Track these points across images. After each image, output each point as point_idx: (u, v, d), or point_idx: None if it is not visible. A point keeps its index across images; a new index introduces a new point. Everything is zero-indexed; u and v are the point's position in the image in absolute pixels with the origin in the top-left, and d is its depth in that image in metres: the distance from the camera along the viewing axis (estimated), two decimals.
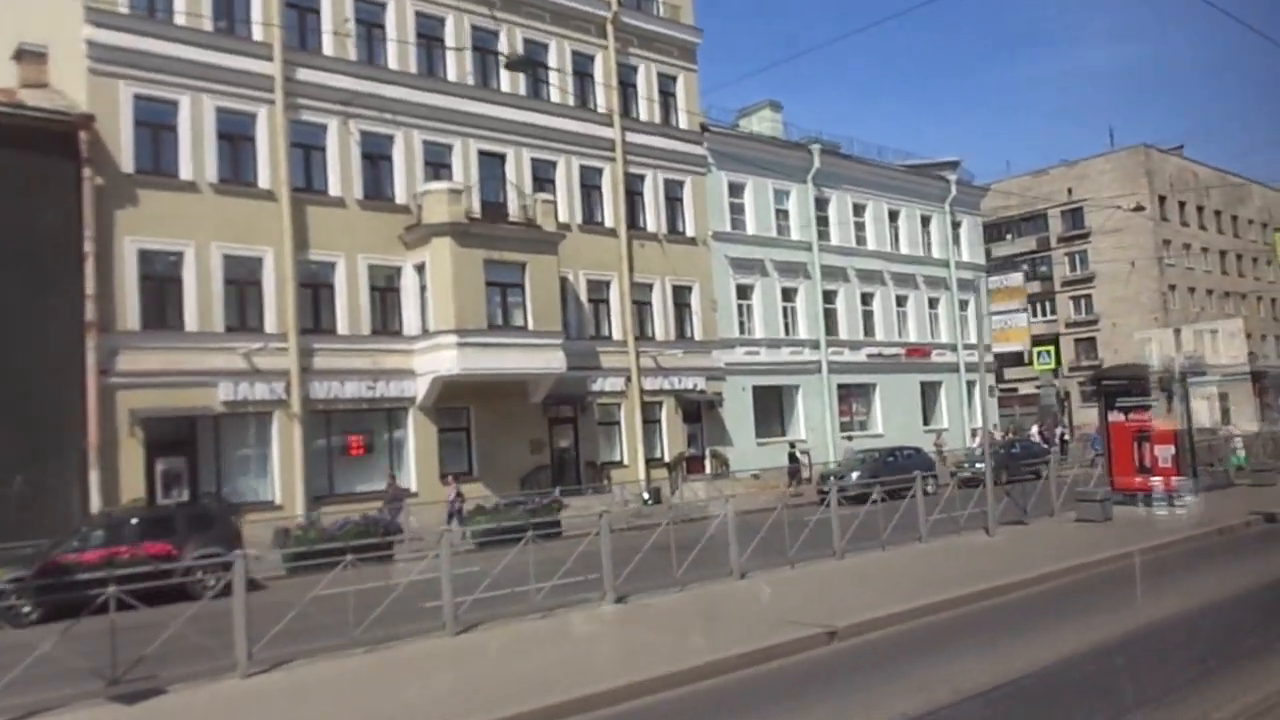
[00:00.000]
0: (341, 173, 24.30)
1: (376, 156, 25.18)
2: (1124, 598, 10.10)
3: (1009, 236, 68.34)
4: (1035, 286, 66.50)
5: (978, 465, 29.86)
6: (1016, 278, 15.09)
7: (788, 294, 34.90)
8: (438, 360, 24.12)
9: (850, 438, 35.55)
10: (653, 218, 30.89)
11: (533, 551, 10.63)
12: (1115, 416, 18.12)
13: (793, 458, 32.59)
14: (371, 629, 9.15)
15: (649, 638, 9.21)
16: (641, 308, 30.37)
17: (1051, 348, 41.06)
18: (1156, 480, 17.42)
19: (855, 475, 27.09)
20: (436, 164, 26.12)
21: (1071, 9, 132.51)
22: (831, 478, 27.65)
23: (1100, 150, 64.84)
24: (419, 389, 24.63)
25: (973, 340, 42.17)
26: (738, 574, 12.04)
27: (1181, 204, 65.32)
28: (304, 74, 23.78)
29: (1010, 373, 63.99)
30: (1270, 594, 10.03)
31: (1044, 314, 66.33)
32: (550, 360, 25.74)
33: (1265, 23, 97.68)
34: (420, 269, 24.78)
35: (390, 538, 18.32)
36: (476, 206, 26.08)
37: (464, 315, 24.06)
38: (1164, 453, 17.31)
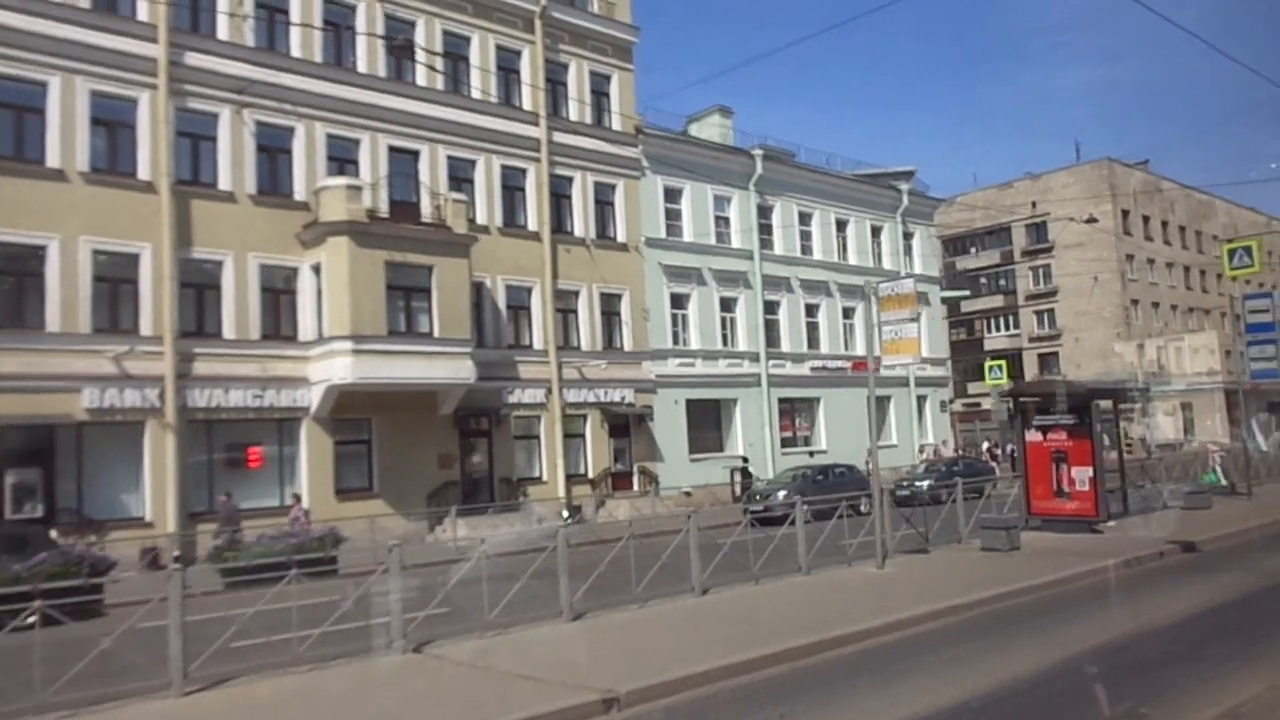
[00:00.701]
0: (233, 165, 22.77)
1: (274, 150, 23.66)
2: (979, 650, 8.76)
3: (973, 250, 67.50)
4: (999, 300, 65.78)
5: (917, 484, 28.71)
6: (907, 284, 13.55)
7: (727, 304, 33.56)
8: (331, 368, 22.59)
9: (811, 454, 34.27)
10: (580, 221, 29.49)
11: (297, 594, 9.11)
12: (1032, 436, 16.81)
13: (745, 472, 31.32)
14: (65, 691, 7.51)
15: (387, 702, 7.69)
16: (566, 316, 28.95)
17: (1004, 362, 39.91)
18: (1074, 504, 16.12)
19: (782, 494, 25.72)
20: (341, 159, 24.62)
21: (1052, 29, 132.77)
22: (756, 496, 26.35)
23: (1065, 164, 64.19)
24: (313, 398, 23.07)
25: (926, 354, 41.12)
26: (568, 615, 10.56)
27: (1145, 218, 64.62)
28: (193, 59, 22.26)
29: (974, 388, 63.19)
30: (1144, 647, 8.67)
31: (1007, 328, 65.49)
32: (457, 370, 24.25)
33: (1230, 43, 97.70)
34: (318, 270, 23.28)
35: (98, 579, 13.48)
36: (385, 205, 24.63)
37: (360, 320, 22.55)
38: (1081, 475, 16.01)
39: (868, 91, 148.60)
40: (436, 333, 24.02)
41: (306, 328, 23.39)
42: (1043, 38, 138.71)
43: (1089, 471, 15.93)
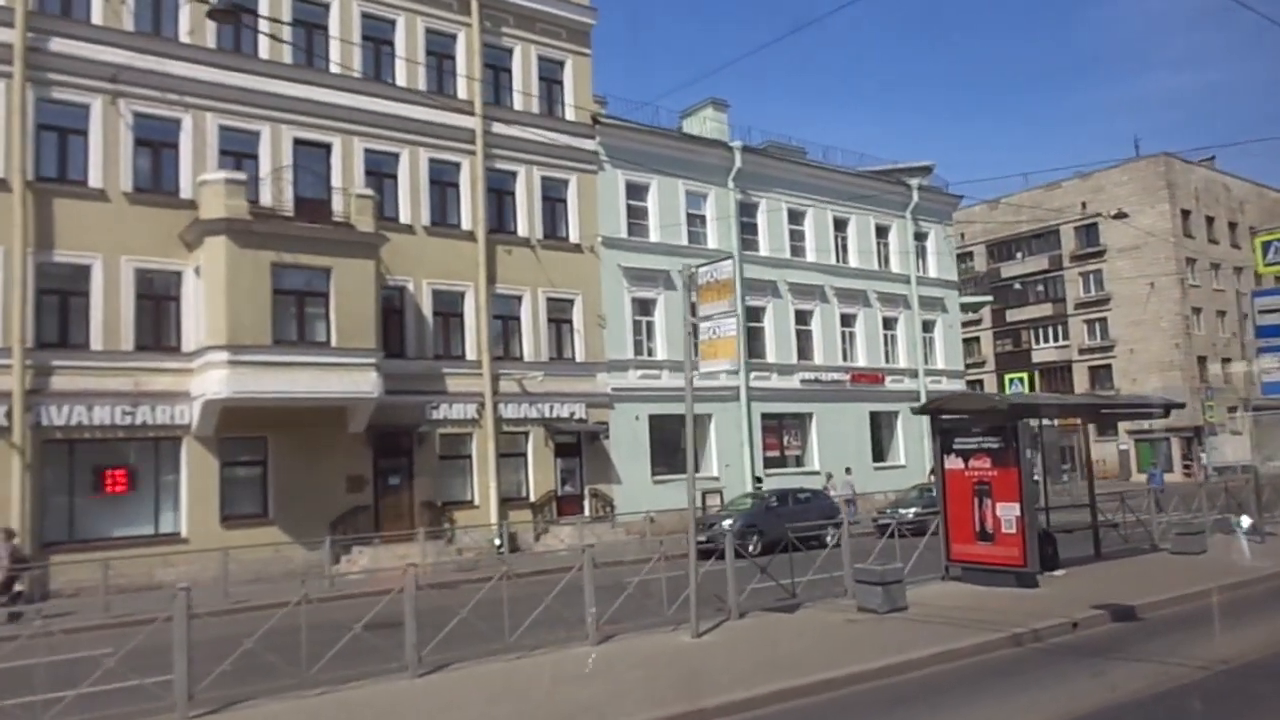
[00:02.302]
0: (106, 161, 20.76)
1: (157, 144, 21.64)
2: None
3: (1019, 255, 63.03)
4: (1048, 308, 61.19)
5: (902, 511, 25.29)
6: (726, 268, 10.31)
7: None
8: (206, 382, 20.37)
9: (849, 470, 31.09)
10: (525, 220, 26.91)
11: None
12: (952, 463, 13.54)
13: (758, 481, 28.50)
14: None
15: None
16: (507, 323, 26.38)
17: (1025, 375, 36.03)
18: (999, 550, 12.82)
19: (727, 524, 22.63)
20: (237, 153, 22.48)
21: (1136, 36, 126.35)
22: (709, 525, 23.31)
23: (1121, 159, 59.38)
24: (194, 415, 20.88)
25: (940, 365, 37.54)
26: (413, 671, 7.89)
27: (1210, 219, 59.38)
28: (59, 44, 20.36)
29: None
30: None
31: (1056, 339, 60.82)
32: (359, 383, 21.81)
33: None
34: (200, 274, 21.13)
35: None
36: (290, 202, 22.48)
37: (238, 328, 20.27)
38: (1006, 513, 12.70)
39: (901, 96, 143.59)
40: (335, 342, 21.65)
41: (191, 338, 21.25)
42: (1129, 45, 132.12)
43: (1015, 509, 12.61)
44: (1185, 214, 57.53)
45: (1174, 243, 55.19)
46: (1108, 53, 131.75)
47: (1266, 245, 24.34)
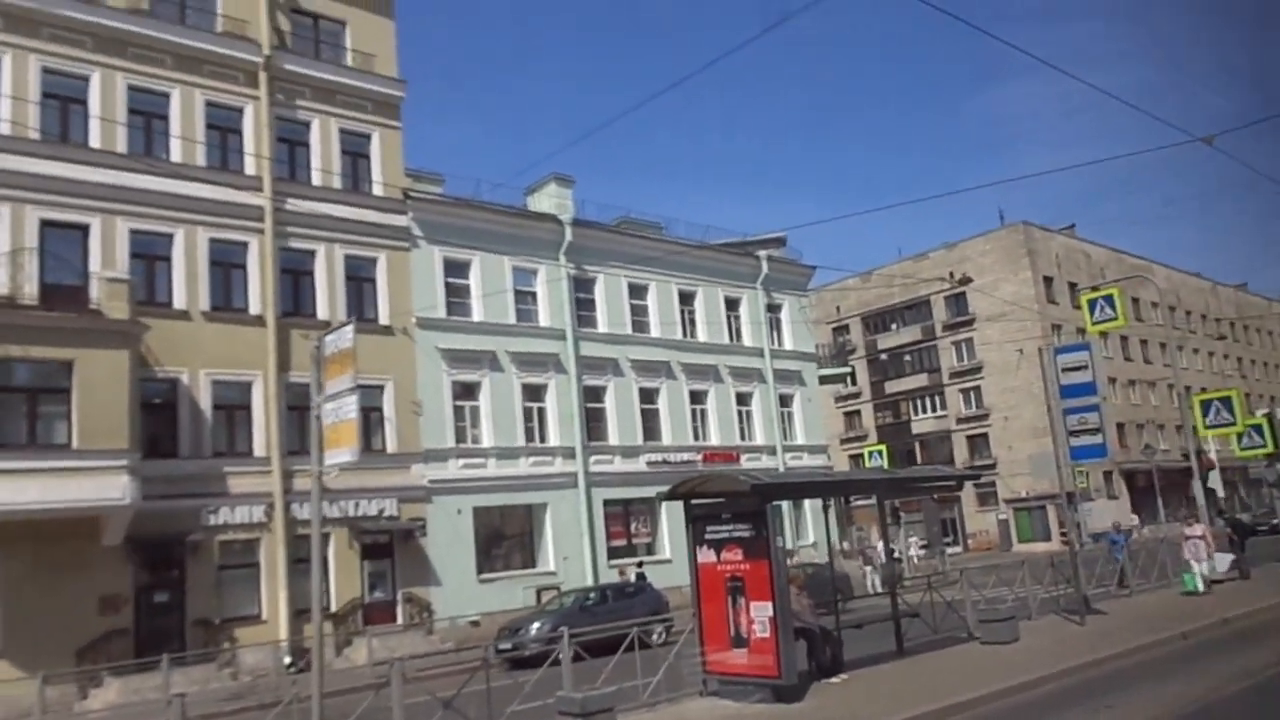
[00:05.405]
0: None
1: None
2: None
3: (894, 326, 63.22)
4: (923, 379, 61.17)
5: (533, 626, 20.10)
6: (348, 335, 8.49)
7: (532, 392, 28.69)
8: None
9: (641, 563, 28.88)
10: (325, 302, 24.84)
11: None
12: (705, 556, 11.73)
13: (641, 576, 26.13)
14: None
15: None
16: (303, 415, 23.96)
17: (884, 447, 35.04)
18: (752, 658, 10.95)
19: (537, 627, 20.41)
20: None
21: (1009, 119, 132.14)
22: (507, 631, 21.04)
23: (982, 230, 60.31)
24: None
25: (800, 440, 36.25)
26: None
27: (1072, 285, 60.49)
28: None
29: None
30: None
31: (933, 409, 60.69)
32: (105, 488, 19.10)
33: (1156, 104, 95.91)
34: None
35: None
36: (34, 289, 20.05)
37: None
38: (760, 614, 10.88)
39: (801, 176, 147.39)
40: (76, 444, 19.04)
41: None
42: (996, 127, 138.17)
43: (768, 608, 10.79)
44: (1048, 280, 58.53)
45: (1038, 309, 55.84)
46: (986, 136, 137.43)
47: (1093, 303, 23.90)
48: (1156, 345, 64.77)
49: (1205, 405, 26.50)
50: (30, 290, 20.14)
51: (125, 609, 20.50)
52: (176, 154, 23.06)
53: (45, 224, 20.96)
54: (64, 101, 21.93)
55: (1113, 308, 23.07)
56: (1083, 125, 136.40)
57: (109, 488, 19.19)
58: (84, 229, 21.53)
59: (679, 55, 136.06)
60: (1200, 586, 19.46)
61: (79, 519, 19.47)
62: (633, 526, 30.54)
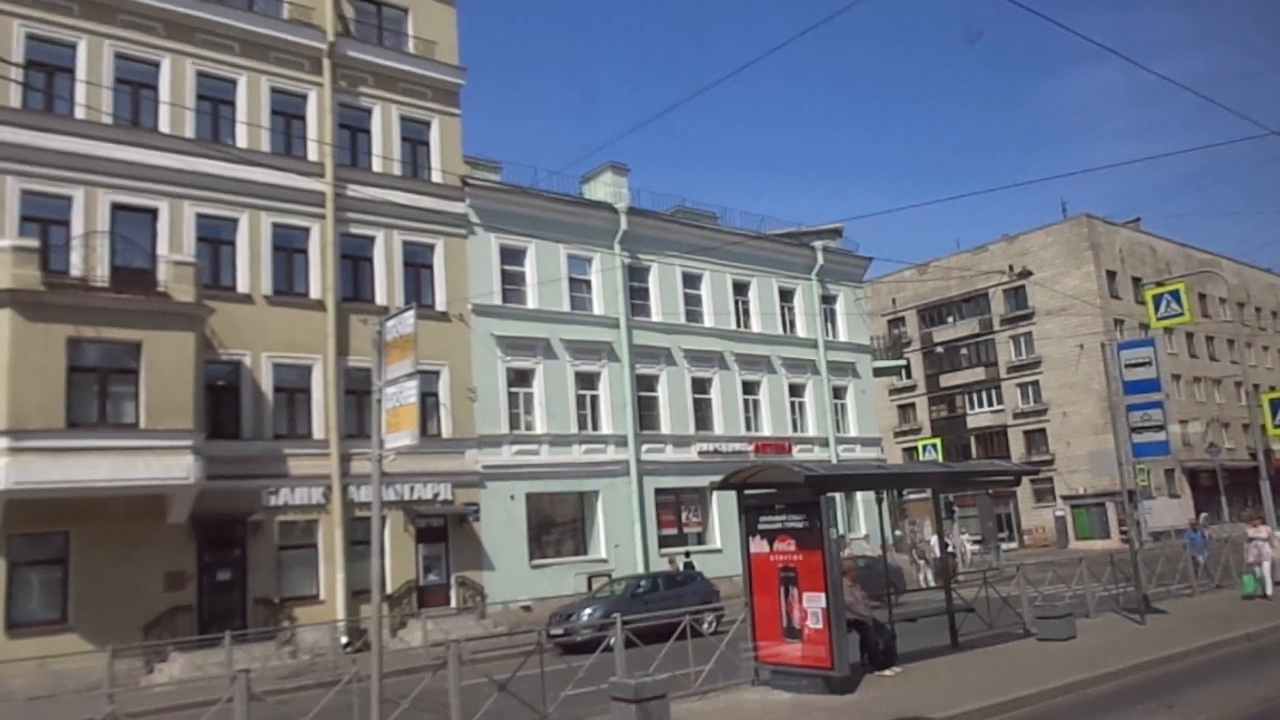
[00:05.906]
0: None
1: None
2: None
3: (950, 319, 62.22)
4: (980, 373, 60.19)
5: (584, 613, 20.46)
6: (409, 320, 8.69)
7: (586, 379, 28.80)
8: None
9: (689, 554, 28.96)
10: (384, 288, 25.16)
11: None
12: (757, 546, 11.68)
13: (689, 566, 26.38)
14: None
15: None
16: (360, 399, 24.34)
17: (939, 441, 34.57)
18: (805, 649, 10.89)
19: (587, 614, 20.55)
20: (45, 220, 20.60)
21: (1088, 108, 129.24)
22: (554, 616, 21.20)
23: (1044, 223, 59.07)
24: None
25: (853, 432, 35.93)
26: None
27: (1136, 280, 58.99)
28: None
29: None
30: None
31: (990, 403, 59.68)
32: (172, 468, 19.60)
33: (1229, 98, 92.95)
34: None
35: None
36: (103, 270, 20.59)
37: (23, 411, 18.13)
38: (812, 604, 10.82)
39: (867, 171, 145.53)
40: (144, 423, 19.53)
41: None
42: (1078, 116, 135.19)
43: (821, 600, 10.73)
44: (1111, 275, 57.16)
45: (1100, 304, 54.60)
46: (1053, 126, 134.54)
47: (1158, 299, 23.26)
48: (1224, 342, 63.04)
49: (1275, 404, 25.76)
50: (101, 272, 20.65)
51: (189, 586, 21.02)
52: (242, 139, 23.48)
53: (116, 207, 21.47)
54: (135, 87, 22.41)
55: (1179, 303, 22.41)
56: (1154, 116, 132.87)
57: (175, 467, 19.67)
58: (153, 213, 22.03)
59: (737, 43, 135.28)
60: (1268, 591, 18.90)
61: (146, 497, 19.99)
62: (683, 516, 30.55)
